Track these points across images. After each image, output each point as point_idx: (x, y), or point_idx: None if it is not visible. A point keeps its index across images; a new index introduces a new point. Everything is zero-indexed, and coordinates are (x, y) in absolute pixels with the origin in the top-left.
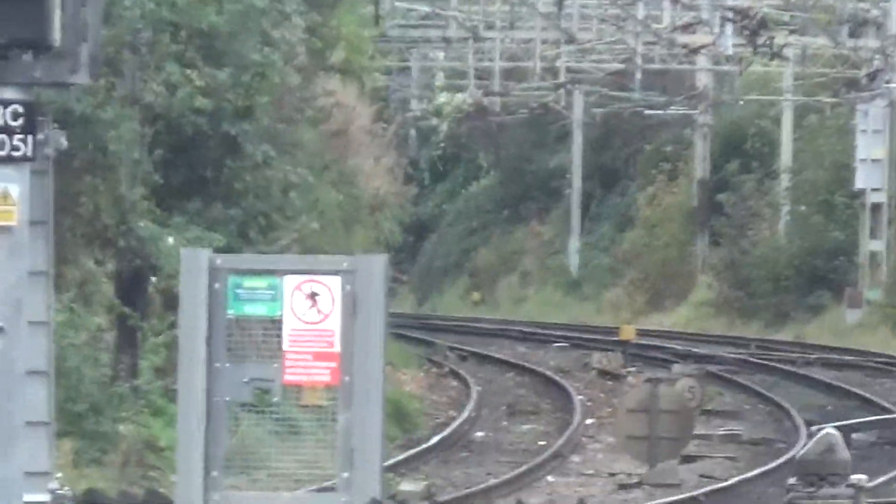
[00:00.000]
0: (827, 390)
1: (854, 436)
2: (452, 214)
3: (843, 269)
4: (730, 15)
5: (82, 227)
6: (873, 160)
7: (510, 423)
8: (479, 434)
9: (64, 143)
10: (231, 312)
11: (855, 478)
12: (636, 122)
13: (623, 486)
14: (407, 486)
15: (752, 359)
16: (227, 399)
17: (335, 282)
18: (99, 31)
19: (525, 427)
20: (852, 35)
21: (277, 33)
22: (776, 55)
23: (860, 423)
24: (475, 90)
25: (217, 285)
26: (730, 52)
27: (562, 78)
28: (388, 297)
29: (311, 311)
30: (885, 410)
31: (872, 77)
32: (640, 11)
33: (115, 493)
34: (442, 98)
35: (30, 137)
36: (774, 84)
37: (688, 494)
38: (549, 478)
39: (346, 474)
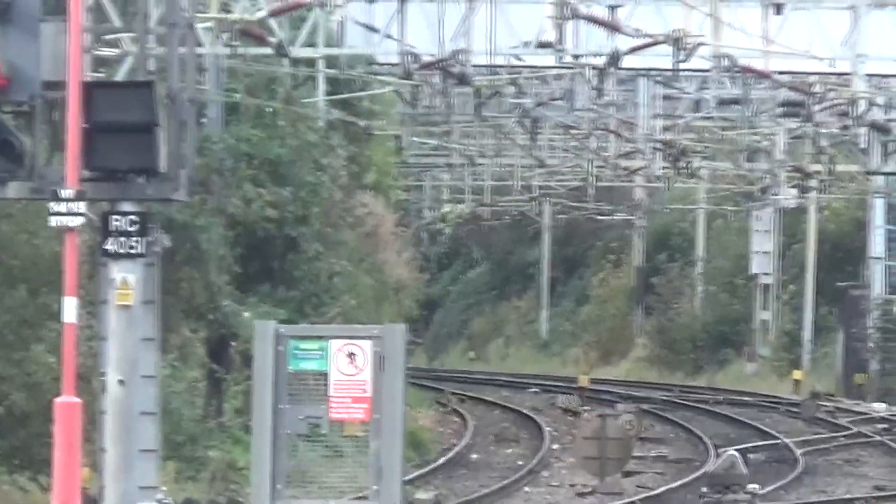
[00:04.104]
0: (730, 422)
1: (750, 456)
2: (454, 294)
3: (743, 333)
4: (659, 146)
5: (182, 305)
6: (764, 252)
7: (497, 447)
8: (475, 456)
9: (168, 243)
10: (291, 367)
11: (751, 487)
12: (590, 225)
13: (580, 494)
14: (421, 495)
15: (676, 400)
16: (288, 431)
17: (368, 345)
18: (194, 161)
19: (508, 451)
20: (749, 160)
21: (326, 161)
22: (693, 175)
23: (755, 446)
24: (471, 202)
25: (281, 347)
26: (659, 173)
27: (535, 192)
28: (407, 355)
29: (350, 367)
30: (774, 437)
31: (763, 191)
32: (593, 143)
33: (206, 502)
34: (446, 208)
35: (143, 239)
36: (691, 196)
37: (628, 500)
38: (526, 488)
39: (376, 487)
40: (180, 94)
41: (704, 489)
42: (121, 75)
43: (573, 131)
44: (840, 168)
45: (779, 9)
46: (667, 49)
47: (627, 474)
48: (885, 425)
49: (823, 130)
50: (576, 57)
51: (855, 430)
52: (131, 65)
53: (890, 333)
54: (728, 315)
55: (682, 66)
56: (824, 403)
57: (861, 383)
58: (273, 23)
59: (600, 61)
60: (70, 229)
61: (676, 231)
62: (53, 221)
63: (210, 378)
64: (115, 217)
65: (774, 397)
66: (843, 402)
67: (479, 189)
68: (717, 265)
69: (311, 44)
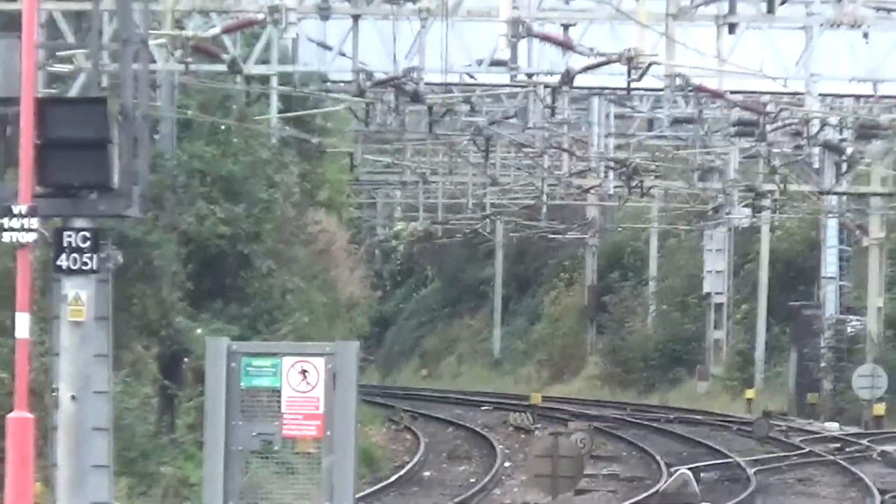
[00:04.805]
0: (682, 441)
1: (702, 475)
2: (407, 312)
3: (695, 352)
4: (611, 164)
5: (134, 322)
6: (716, 271)
7: (449, 465)
8: (427, 473)
9: (120, 259)
10: (243, 384)
11: None
12: (543, 244)
13: None
14: None
15: (628, 418)
16: (241, 448)
17: (320, 362)
18: (147, 177)
19: (460, 468)
20: (702, 179)
21: (279, 178)
22: (645, 194)
23: (707, 465)
24: (424, 220)
25: (233, 364)
26: (612, 191)
27: (488, 210)
28: (359, 372)
29: (303, 384)
30: (725, 456)
31: (716, 210)
32: (546, 161)
33: None
34: (399, 226)
35: (95, 255)
36: (644, 215)
37: None
38: None
39: (328, 503)
40: (133, 110)
41: None
42: (74, 91)
43: (526, 149)
44: (793, 188)
45: (732, 28)
46: (620, 68)
47: (579, 492)
48: (838, 445)
49: (777, 150)
50: (529, 75)
51: (807, 449)
52: (84, 81)
53: (842, 353)
54: (680, 334)
55: (635, 84)
56: (777, 423)
57: (813, 403)
58: (227, 39)
59: (553, 80)
60: (23, 245)
61: (629, 250)
62: (6, 237)
63: (162, 394)
64: (67, 233)
65: (727, 416)
66: (795, 422)
67: (432, 207)
68: (670, 284)
69: (264, 61)
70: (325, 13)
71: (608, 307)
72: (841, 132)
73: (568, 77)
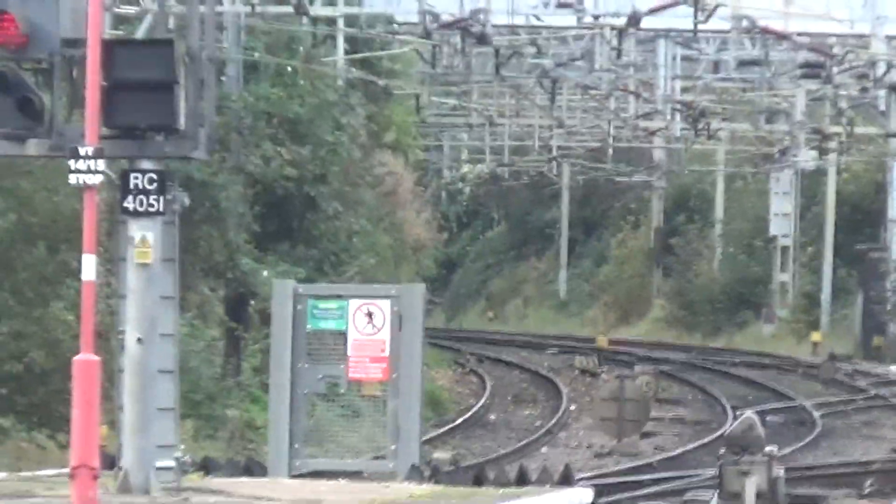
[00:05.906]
0: (748, 384)
1: (768, 418)
2: (473, 254)
3: (761, 294)
4: (678, 106)
5: (200, 264)
6: (783, 214)
7: (515, 408)
8: (492, 416)
9: (187, 201)
10: (309, 326)
11: (768, 448)
12: (609, 186)
13: (598, 455)
14: (439, 454)
15: (693, 361)
16: (307, 391)
17: (386, 304)
18: (213, 119)
19: (526, 411)
20: (768, 122)
21: (345, 120)
22: (712, 136)
23: (772, 408)
24: (490, 162)
25: (299, 306)
26: (678, 134)
27: (554, 153)
28: (425, 315)
29: (369, 326)
30: (791, 399)
31: (783, 153)
32: (612, 104)
33: (224, 460)
34: (465, 168)
35: (161, 197)
36: (710, 158)
37: (646, 461)
38: (544, 449)
39: (393, 446)
40: (200, 52)
41: (722, 450)
42: (141, 33)
43: (592, 92)
44: (859, 130)
45: None
46: (686, 10)
47: (645, 435)
48: None
49: (843, 92)
50: (595, 17)
51: (873, 392)
52: (151, 23)
53: None
54: (747, 277)
55: (701, 26)
56: (842, 365)
57: (879, 346)
58: None
59: (620, 22)
60: (89, 187)
61: (695, 192)
62: (72, 179)
63: (228, 337)
64: (134, 175)
65: (793, 359)
66: (861, 365)
67: (499, 149)
68: (736, 227)
69: (330, 2)
70: None
71: (674, 250)
72: None
73: (634, 19)
